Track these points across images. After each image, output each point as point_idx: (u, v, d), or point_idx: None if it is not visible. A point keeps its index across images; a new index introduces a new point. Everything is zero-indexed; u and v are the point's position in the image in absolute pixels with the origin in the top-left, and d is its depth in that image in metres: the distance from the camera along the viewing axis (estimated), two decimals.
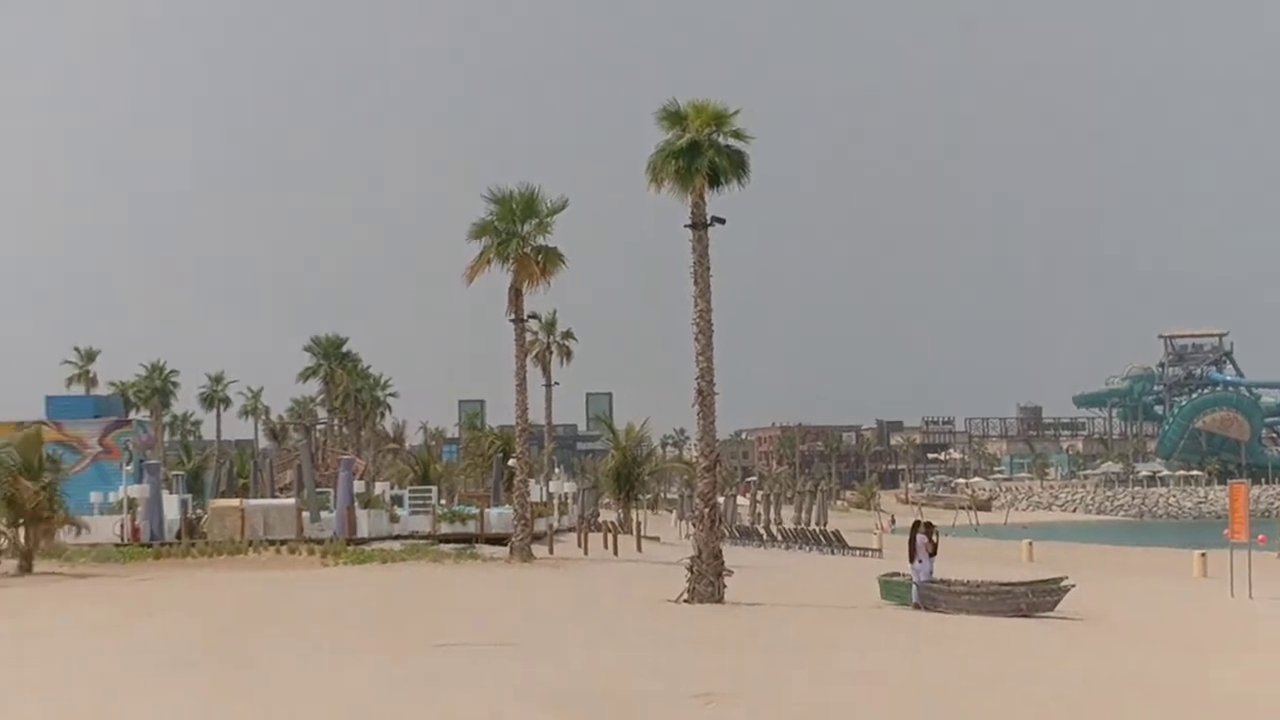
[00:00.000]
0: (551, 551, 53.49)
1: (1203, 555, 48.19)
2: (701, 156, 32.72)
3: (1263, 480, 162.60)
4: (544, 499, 72.63)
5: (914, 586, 30.36)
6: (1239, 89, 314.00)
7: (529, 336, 65.27)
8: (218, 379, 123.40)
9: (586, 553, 56.11)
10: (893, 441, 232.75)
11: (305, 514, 57.69)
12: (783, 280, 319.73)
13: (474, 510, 64.25)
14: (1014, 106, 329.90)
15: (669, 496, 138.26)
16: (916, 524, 31.70)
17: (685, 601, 30.94)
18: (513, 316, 49.40)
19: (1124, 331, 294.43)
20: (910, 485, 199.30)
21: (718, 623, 26.87)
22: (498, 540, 54.70)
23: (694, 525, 34.04)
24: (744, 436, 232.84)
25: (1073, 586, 29.58)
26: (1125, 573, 49.35)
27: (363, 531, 57.39)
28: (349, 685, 17.36)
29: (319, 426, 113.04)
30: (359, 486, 63.52)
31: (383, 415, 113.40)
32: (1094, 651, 23.00)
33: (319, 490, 62.59)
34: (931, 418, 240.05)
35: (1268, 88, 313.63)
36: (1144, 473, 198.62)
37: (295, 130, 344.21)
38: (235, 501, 59.94)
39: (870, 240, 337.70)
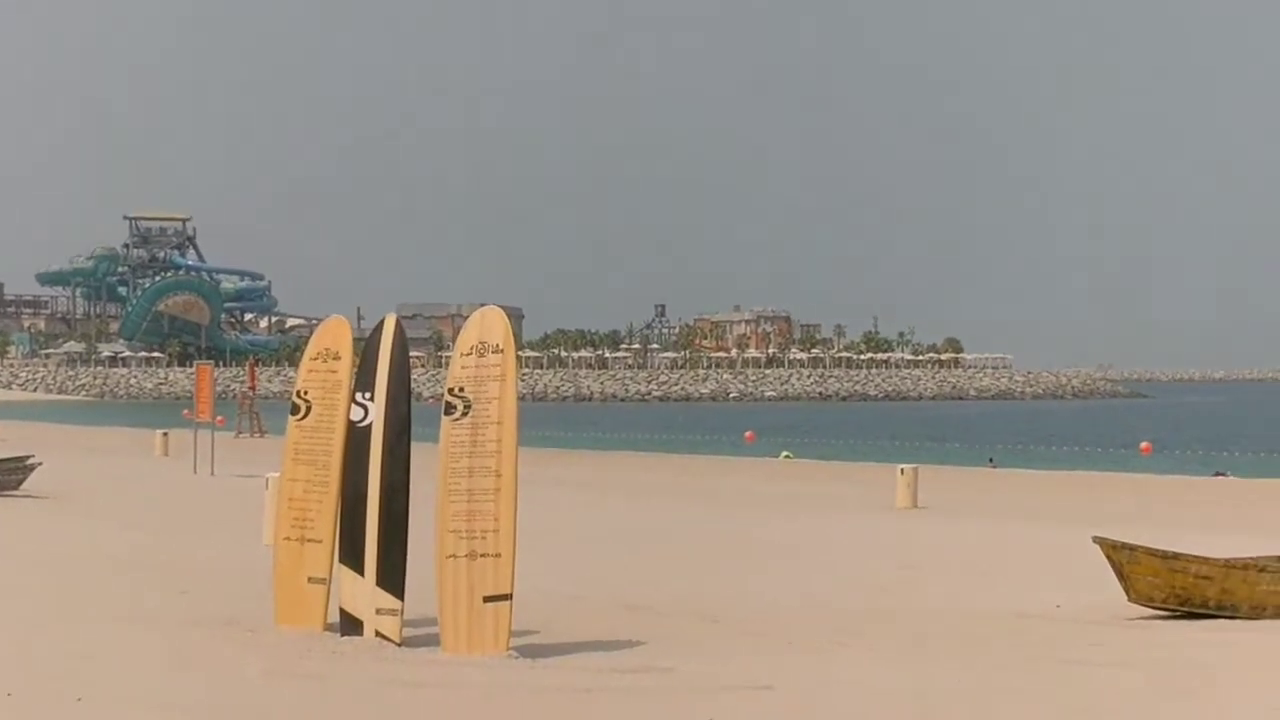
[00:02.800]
0: None
1: (165, 434, 49.20)
2: None
3: (220, 363, 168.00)
4: None
5: None
6: None
7: None
8: None
9: None
10: None
11: None
12: None
13: None
14: None
15: None
16: None
17: None
18: None
19: (91, 210, 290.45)
20: None
21: None
22: None
23: None
24: None
25: (39, 464, 29.37)
26: (91, 452, 49.23)
27: None
28: None
29: None
30: None
31: None
32: (66, 526, 22.93)
33: None
34: None
35: None
36: (106, 353, 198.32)
37: None
38: None
39: None
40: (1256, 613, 14.79)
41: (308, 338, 14.59)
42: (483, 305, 12.86)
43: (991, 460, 56.31)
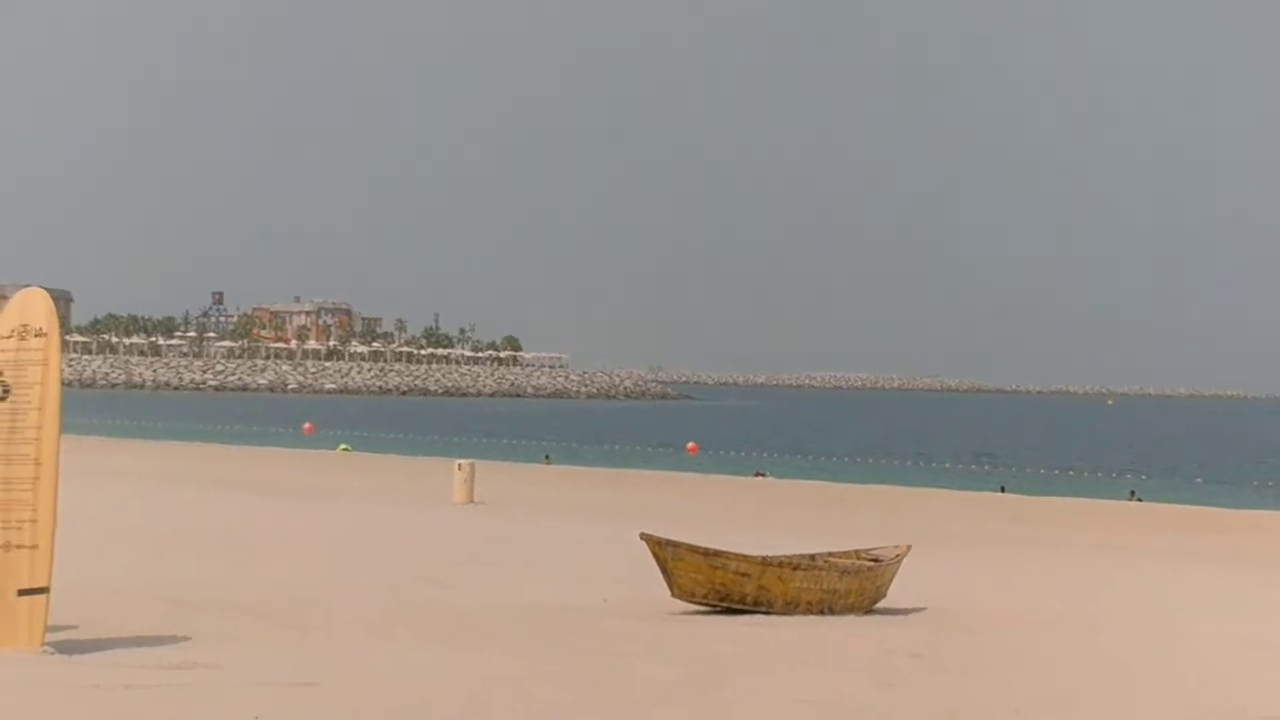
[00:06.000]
0: None
1: None
2: None
3: None
4: None
5: None
6: None
7: None
8: None
9: None
10: None
11: None
12: None
13: None
14: None
15: None
16: None
17: None
18: None
19: None
20: None
21: None
22: None
23: None
24: None
25: None
26: None
27: None
28: None
29: None
30: None
31: None
32: None
33: None
34: None
35: None
36: None
37: None
38: None
39: None
40: (790, 608, 15.62)
41: None
42: (27, 286, 12.30)
43: (548, 457, 57.60)
